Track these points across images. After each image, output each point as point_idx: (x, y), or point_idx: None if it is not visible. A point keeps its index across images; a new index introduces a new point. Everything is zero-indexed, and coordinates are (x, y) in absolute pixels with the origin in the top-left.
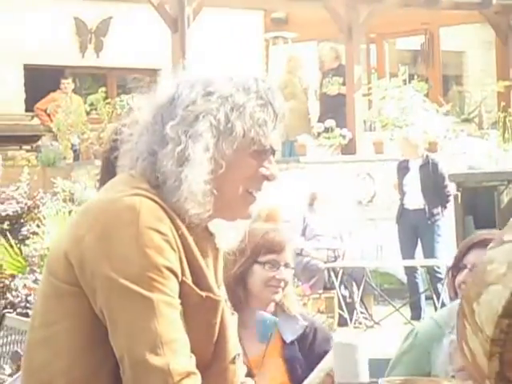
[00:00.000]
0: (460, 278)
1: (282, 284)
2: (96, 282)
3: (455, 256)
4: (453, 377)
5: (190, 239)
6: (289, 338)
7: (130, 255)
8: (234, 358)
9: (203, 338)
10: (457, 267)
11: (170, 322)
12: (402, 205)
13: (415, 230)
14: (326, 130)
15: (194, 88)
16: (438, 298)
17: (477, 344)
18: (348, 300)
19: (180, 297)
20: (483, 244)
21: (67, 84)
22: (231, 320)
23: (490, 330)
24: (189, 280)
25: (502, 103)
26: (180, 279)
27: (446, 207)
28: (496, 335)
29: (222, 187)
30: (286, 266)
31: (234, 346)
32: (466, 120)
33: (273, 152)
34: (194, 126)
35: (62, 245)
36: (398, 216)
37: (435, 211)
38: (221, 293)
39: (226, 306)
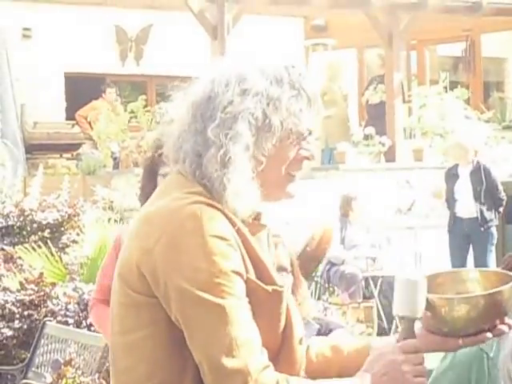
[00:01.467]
0: None
1: None
2: (169, 292)
3: (501, 269)
4: None
5: (248, 234)
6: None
7: (199, 264)
8: (301, 340)
9: (272, 328)
10: None
11: (243, 324)
12: (453, 213)
13: (468, 238)
14: (366, 137)
15: (229, 86)
16: None
17: None
18: (387, 309)
19: (247, 293)
20: None
21: (109, 93)
22: (294, 304)
23: None
24: (253, 276)
25: None
26: (245, 277)
27: (499, 212)
28: None
29: (265, 177)
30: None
31: (299, 328)
32: (508, 127)
33: (310, 133)
34: (233, 127)
35: (133, 256)
36: (449, 224)
37: (488, 218)
38: (281, 279)
39: (287, 293)
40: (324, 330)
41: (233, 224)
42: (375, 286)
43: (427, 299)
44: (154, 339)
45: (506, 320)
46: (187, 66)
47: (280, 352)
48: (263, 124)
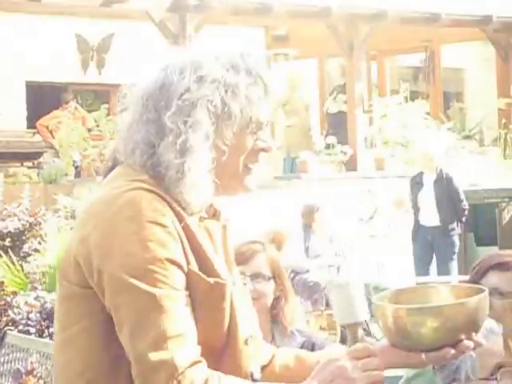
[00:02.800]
0: None
1: (253, 295)
2: (103, 279)
3: (471, 276)
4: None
5: (193, 225)
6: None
7: (132, 250)
8: (247, 340)
9: (214, 324)
10: None
11: (174, 316)
12: (417, 221)
13: (431, 246)
14: (328, 146)
15: (184, 73)
16: None
17: None
18: None
19: (188, 286)
20: (503, 266)
21: (71, 102)
22: (243, 301)
23: None
24: (195, 268)
25: (503, 120)
26: (186, 269)
27: (462, 222)
28: None
29: (223, 169)
30: (254, 277)
31: (246, 327)
32: (467, 137)
33: (267, 123)
34: (192, 114)
35: (72, 247)
36: (413, 233)
37: (450, 227)
38: (232, 275)
39: (235, 288)
40: (307, 345)
41: (176, 213)
42: None
43: (391, 310)
44: (89, 333)
45: (474, 337)
46: None
47: (224, 352)
48: (222, 112)
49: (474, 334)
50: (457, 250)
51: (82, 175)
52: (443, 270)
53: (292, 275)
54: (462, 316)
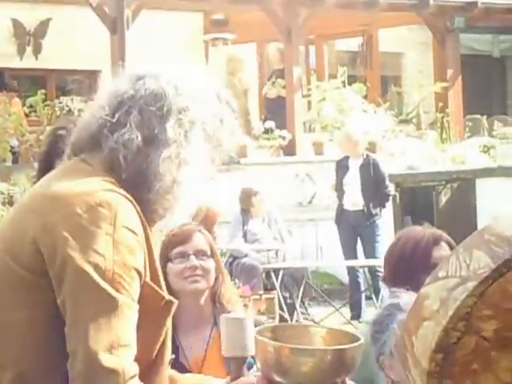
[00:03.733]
0: None
1: (200, 272)
2: (66, 271)
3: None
4: None
5: (152, 240)
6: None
7: (105, 251)
8: (170, 361)
9: (153, 339)
10: None
11: (129, 325)
12: (340, 205)
13: (355, 230)
14: (266, 131)
15: (179, 90)
16: (377, 298)
17: (417, 376)
18: (289, 301)
19: (139, 298)
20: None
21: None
22: (170, 323)
23: (425, 364)
24: (149, 280)
25: (440, 104)
26: (143, 281)
27: (384, 207)
28: (432, 368)
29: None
30: (198, 254)
31: (170, 348)
32: (405, 121)
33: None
34: (192, 132)
35: (29, 231)
36: (337, 216)
37: (374, 211)
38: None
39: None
40: None
41: (144, 227)
42: (276, 278)
43: (274, 347)
44: (33, 324)
45: (348, 381)
46: (87, 60)
47: (151, 369)
48: (213, 138)
49: (347, 378)
50: (380, 233)
51: (19, 161)
52: (369, 253)
53: (231, 259)
54: (340, 361)
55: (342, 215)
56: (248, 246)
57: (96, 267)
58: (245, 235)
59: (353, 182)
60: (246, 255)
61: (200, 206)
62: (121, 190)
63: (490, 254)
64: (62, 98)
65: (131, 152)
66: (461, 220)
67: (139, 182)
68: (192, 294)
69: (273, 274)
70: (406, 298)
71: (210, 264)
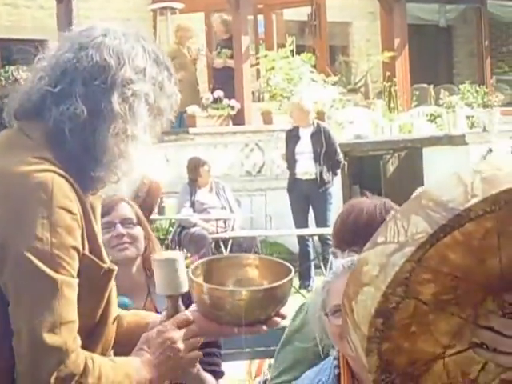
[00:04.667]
0: None
1: (126, 239)
2: (6, 253)
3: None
4: (326, 315)
5: (89, 209)
6: (161, 306)
7: (42, 234)
8: (115, 319)
9: (95, 305)
10: None
11: (70, 304)
12: (293, 174)
13: (307, 199)
14: (215, 100)
15: (121, 61)
16: (326, 267)
17: (356, 340)
18: None
19: (80, 270)
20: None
21: None
22: (114, 285)
23: (365, 329)
24: (87, 252)
25: (387, 73)
26: (81, 254)
27: (336, 174)
28: (372, 333)
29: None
30: (124, 222)
31: (116, 307)
32: (353, 90)
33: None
34: (136, 105)
35: None
36: (289, 185)
37: (326, 179)
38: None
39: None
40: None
41: (79, 197)
42: (225, 248)
43: (207, 288)
44: None
45: (281, 311)
46: (33, 28)
47: (95, 329)
48: (155, 107)
49: (281, 310)
50: (332, 201)
51: None
52: (320, 221)
53: (179, 230)
54: (274, 297)
55: (294, 184)
56: (196, 215)
57: (35, 251)
58: (193, 205)
59: (304, 151)
60: (194, 225)
61: (143, 179)
62: (56, 168)
63: (428, 219)
64: (7, 67)
65: (77, 125)
66: (408, 188)
67: (85, 156)
68: (122, 262)
69: (222, 244)
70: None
71: (137, 231)
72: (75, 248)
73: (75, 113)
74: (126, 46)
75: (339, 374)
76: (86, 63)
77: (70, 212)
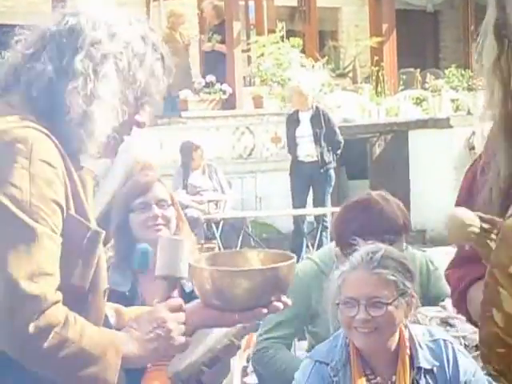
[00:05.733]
0: None
1: (161, 221)
2: None
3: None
4: (338, 304)
5: (76, 175)
6: (189, 288)
7: (22, 184)
8: (105, 292)
9: (83, 270)
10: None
11: (50, 255)
12: (295, 157)
13: (309, 180)
14: (207, 85)
15: (97, 25)
16: (314, 246)
17: None
18: (228, 249)
19: (65, 231)
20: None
21: None
22: (103, 253)
23: None
24: (73, 212)
25: (375, 58)
26: (65, 214)
27: (337, 155)
28: None
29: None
30: (159, 203)
31: (105, 280)
32: (341, 75)
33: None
34: (102, 66)
35: None
36: (291, 168)
37: (327, 160)
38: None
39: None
40: None
41: (63, 157)
42: (217, 228)
43: (208, 272)
44: None
45: (283, 298)
46: (27, 14)
47: (85, 300)
48: (128, 75)
49: (282, 295)
50: (333, 183)
51: None
52: (319, 202)
53: None
54: (274, 280)
55: (296, 167)
56: (189, 197)
57: (13, 199)
58: (186, 187)
59: (305, 134)
60: (187, 206)
61: (136, 161)
62: (38, 126)
63: None
64: (3, 52)
65: (43, 84)
66: (394, 170)
67: (53, 115)
68: (155, 242)
69: (213, 225)
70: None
71: (170, 212)
72: (56, 202)
73: (42, 72)
74: (109, 16)
75: (349, 354)
76: (61, 27)
77: (50, 165)
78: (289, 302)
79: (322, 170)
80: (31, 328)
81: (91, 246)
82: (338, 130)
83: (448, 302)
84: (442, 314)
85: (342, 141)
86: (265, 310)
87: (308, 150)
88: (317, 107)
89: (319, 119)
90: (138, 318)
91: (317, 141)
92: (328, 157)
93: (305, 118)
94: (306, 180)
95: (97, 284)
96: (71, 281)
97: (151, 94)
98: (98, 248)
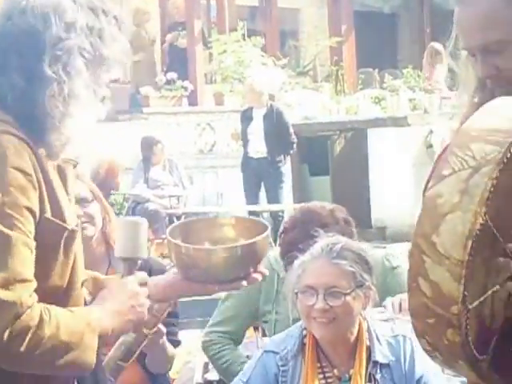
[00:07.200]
0: None
1: (84, 219)
2: None
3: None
4: (296, 293)
5: (52, 171)
6: None
7: None
8: (83, 283)
9: (62, 268)
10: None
11: (25, 262)
12: (246, 153)
13: (259, 176)
14: (168, 82)
15: (48, 21)
16: (276, 242)
17: (443, 272)
18: None
19: (41, 234)
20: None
21: None
22: (80, 245)
23: (459, 254)
24: (49, 215)
25: (335, 57)
26: (38, 218)
27: (289, 154)
28: (466, 257)
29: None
30: (80, 202)
31: (83, 271)
32: (301, 73)
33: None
34: (70, 63)
35: None
36: (242, 164)
37: (278, 158)
38: (75, 219)
39: (79, 234)
40: (144, 266)
41: (38, 159)
42: None
43: (185, 249)
44: None
45: (259, 268)
46: None
47: (64, 294)
48: (95, 57)
49: (259, 265)
50: (284, 180)
51: None
52: (272, 199)
53: (133, 205)
54: (252, 253)
55: (246, 163)
56: (150, 191)
57: None
58: (146, 182)
59: (256, 131)
60: (148, 200)
61: (102, 159)
62: (13, 130)
63: (491, 142)
64: None
65: (16, 94)
66: (353, 167)
67: (31, 122)
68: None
69: (175, 219)
70: None
71: (93, 208)
72: (29, 209)
73: (12, 83)
74: (52, 1)
75: (304, 345)
76: (14, 32)
77: (24, 173)
78: (266, 271)
79: (271, 169)
80: (6, 335)
81: (68, 246)
82: (291, 130)
83: (389, 303)
84: (384, 316)
85: (295, 141)
86: (244, 283)
87: (258, 147)
88: (271, 105)
89: (272, 117)
90: (111, 288)
91: (267, 138)
92: (279, 156)
93: (258, 115)
94: (255, 176)
95: (75, 279)
96: (50, 282)
97: (120, 60)
98: (74, 245)
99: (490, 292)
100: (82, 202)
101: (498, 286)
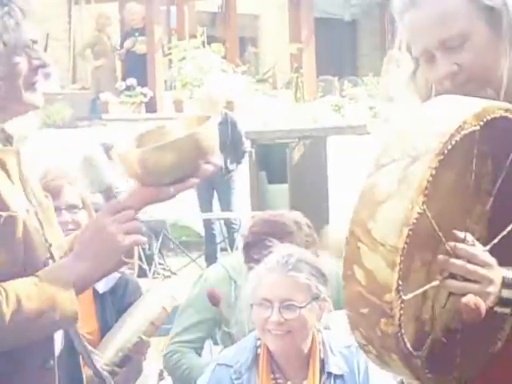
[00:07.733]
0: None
1: (71, 226)
2: None
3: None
4: (252, 305)
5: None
6: (101, 289)
7: None
8: (46, 261)
9: (13, 254)
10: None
11: None
12: None
13: (211, 184)
14: (128, 88)
15: None
16: (232, 249)
17: (377, 259)
18: (148, 252)
19: None
20: None
21: None
22: (49, 222)
23: (394, 241)
24: None
25: (295, 64)
26: None
27: (240, 163)
28: (401, 244)
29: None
30: (69, 208)
31: (42, 252)
32: (261, 80)
33: (35, 42)
34: None
35: None
36: None
37: (231, 167)
38: (36, 201)
39: (33, 216)
40: (121, 280)
41: None
42: None
43: (134, 154)
44: None
45: (211, 159)
46: None
47: (23, 274)
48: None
49: (209, 157)
50: (235, 187)
51: None
52: (225, 206)
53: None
54: (195, 144)
55: None
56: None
57: None
58: None
59: None
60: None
61: (48, 168)
62: None
63: (432, 133)
64: None
65: None
66: (312, 175)
67: None
68: None
69: None
70: None
71: (81, 216)
72: None
73: None
74: None
75: (258, 356)
76: None
77: None
78: (218, 162)
79: (224, 177)
80: None
81: (10, 230)
82: (244, 139)
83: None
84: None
85: (247, 150)
86: (195, 179)
87: None
88: (226, 114)
89: (226, 126)
90: (79, 234)
91: (221, 148)
92: (231, 165)
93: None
94: (207, 183)
95: (35, 264)
96: (6, 266)
97: (21, 45)
98: (17, 231)
99: (427, 286)
100: (71, 209)
101: (437, 282)
